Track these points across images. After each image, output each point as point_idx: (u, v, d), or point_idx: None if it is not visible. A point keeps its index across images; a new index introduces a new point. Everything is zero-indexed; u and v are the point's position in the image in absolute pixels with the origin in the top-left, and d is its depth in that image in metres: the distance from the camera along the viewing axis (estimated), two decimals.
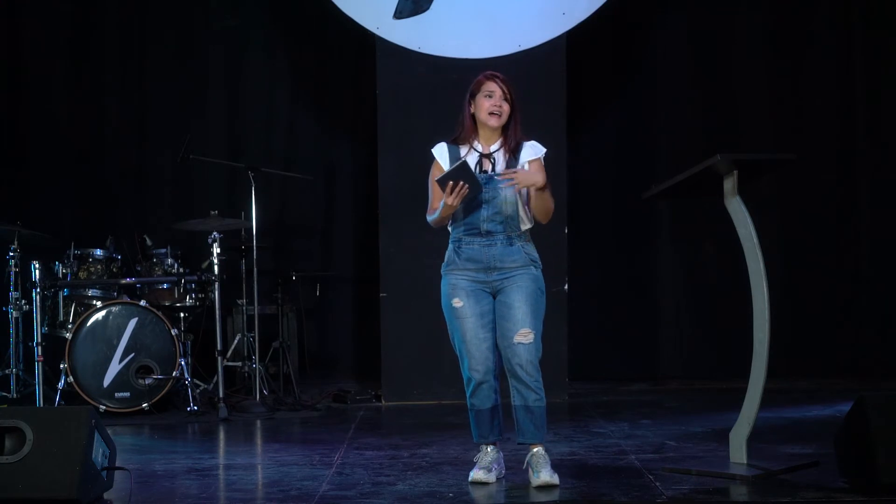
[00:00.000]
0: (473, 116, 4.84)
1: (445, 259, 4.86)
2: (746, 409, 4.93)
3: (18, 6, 8.48)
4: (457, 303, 4.78)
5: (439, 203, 4.76)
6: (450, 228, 4.86)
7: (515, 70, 7.16)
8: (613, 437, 5.96)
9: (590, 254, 8.28)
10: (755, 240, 4.88)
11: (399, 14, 7.33)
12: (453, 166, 4.66)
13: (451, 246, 4.85)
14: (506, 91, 4.79)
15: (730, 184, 4.93)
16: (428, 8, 7.33)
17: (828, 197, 8.39)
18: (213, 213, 7.46)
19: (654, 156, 8.38)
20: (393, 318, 7.43)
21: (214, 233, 7.14)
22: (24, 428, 4.43)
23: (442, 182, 4.64)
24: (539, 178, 4.70)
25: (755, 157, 5.20)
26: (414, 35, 7.34)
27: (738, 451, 4.96)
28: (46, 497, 4.35)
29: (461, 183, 4.59)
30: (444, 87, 7.34)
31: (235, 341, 7.65)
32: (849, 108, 8.40)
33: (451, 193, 4.61)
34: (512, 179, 4.68)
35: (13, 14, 8.49)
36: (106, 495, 4.66)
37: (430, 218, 4.85)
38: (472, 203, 4.73)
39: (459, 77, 7.30)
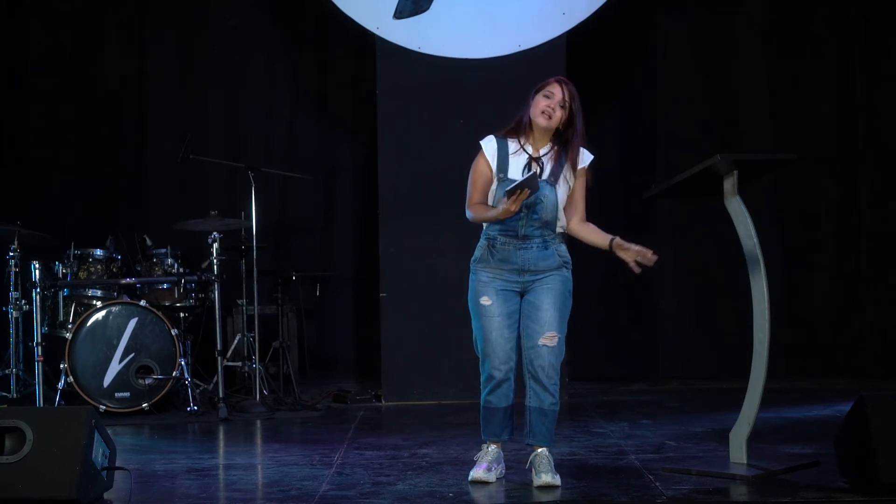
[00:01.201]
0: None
1: (477, 255, 4.82)
2: (746, 409, 4.93)
3: (18, 6, 8.48)
4: (485, 301, 4.76)
5: (479, 196, 4.74)
6: (483, 224, 4.83)
7: (515, 70, 7.21)
8: (613, 437, 5.96)
9: (590, 254, 8.24)
10: (755, 240, 4.88)
11: (399, 14, 7.33)
12: (525, 177, 4.60)
13: (483, 242, 4.81)
14: (566, 98, 4.74)
15: (730, 184, 4.93)
16: (428, 8, 7.33)
17: (828, 197, 8.40)
18: (213, 213, 7.46)
19: (654, 156, 8.39)
20: (393, 318, 7.43)
21: (214, 233, 7.14)
22: (24, 428, 4.43)
23: (511, 191, 4.56)
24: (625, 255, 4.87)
25: (755, 157, 5.21)
26: (414, 35, 7.34)
27: (738, 451, 4.96)
28: (46, 497, 4.34)
29: (525, 189, 4.55)
30: (444, 87, 7.36)
31: (235, 341, 7.65)
32: (849, 108, 8.40)
33: (515, 200, 4.55)
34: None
35: (13, 14, 8.49)
36: (106, 495, 4.66)
37: (475, 214, 4.78)
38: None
39: (459, 77, 7.36)
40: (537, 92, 4.79)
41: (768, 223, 7.73)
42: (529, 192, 4.57)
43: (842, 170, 8.40)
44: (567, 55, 7.42)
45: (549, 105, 4.74)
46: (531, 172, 4.64)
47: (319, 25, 8.46)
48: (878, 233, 8.34)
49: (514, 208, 4.57)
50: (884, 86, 8.35)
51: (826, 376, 8.00)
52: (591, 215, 8.59)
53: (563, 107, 4.74)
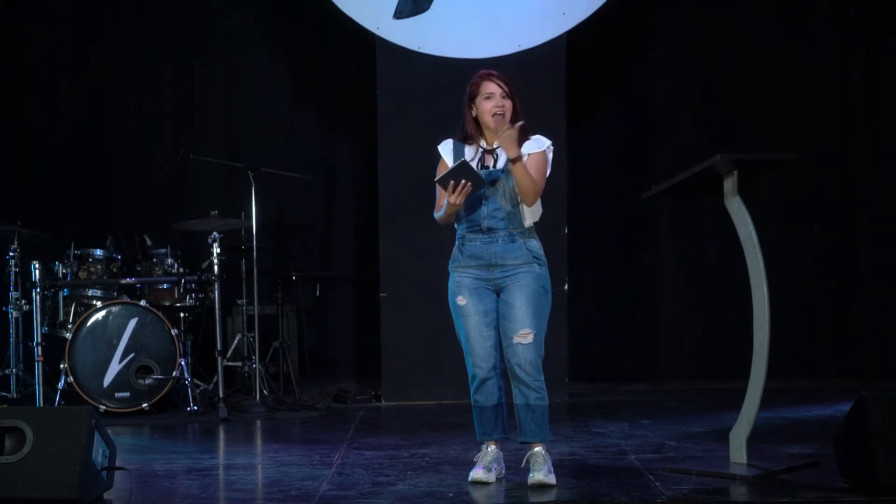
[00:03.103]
0: (476, 119, 4.83)
1: (451, 256, 4.86)
2: (746, 409, 4.93)
3: (18, 6, 8.48)
4: (461, 300, 4.79)
5: (444, 201, 4.76)
6: (455, 225, 4.86)
7: (515, 70, 7.17)
8: (613, 437, 5.96)
9: (590, 254, 8.28)
10: (755, 240, 4.88)
11: (399, 14, 7.33)
12: (452, 167, 4.67)
13: (456, 243, 4.85)
14: (504, 88, 4.79)
15: (730, 184, 4.93)
16: (428, 8, 7.33)
17: (828, 197, 8.39)
18: (213, 213, 7.47)
19: (654, 155, 8.39)
20: (393, 318, 7.43)
21: (214, 233, 7.15)
22: (24, 428, 4.43)
23: (442, 183, 4.64)
24: (510, 147, 4.63)
25: (755, 157, 5.21)
26: (414, 35, 7.34)
27: (738, 451, 4.96)
28: (46, 497, 4.35)
29: (463, 181, 4.59)
30: (444, 87, 7.33)
31: (235, 341, 7.65)
32: (849, 108, 8.40)
33: (453, 192, 4.62)
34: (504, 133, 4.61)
35: (13, 14, 8.49)
36: (106, 495, 4.66)
37: (437, 215, 4.87)
38: (473, 200, 4.72)
39: (459, 77, 7.32)
40: (473, 98, 4.82)
41: (768, 223, 7.72)
42: (472, 185, 4.59)
43: (842, 170, 8.40)
44: (567, 55, 7.42)
45: (496, 104, 4.77)
46: (459, 161, 4.66)
47: (319, 25, 8.46)
48: (878, 233, 8.33)
49: (454, 200, 4.63)
50: (884, 86, 8.35)
51: (826, 376, 8.00)
52: (590, 215, 8.60)
53: (506, 97, 4.78)
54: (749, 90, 8.41)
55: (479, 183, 4.64)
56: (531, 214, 4.80)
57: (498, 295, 4.79)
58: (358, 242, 8.56)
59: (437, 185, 4.82)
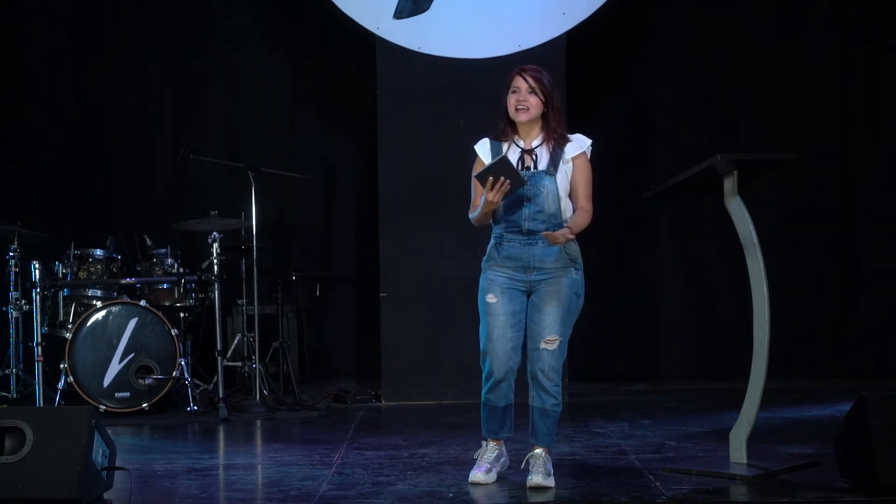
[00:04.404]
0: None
1: (486, 253, 4.81)
2: (746, 409, 4.93)
3: (18, 6, 8.48)
4: (490, 299, 4.74)
5: (481, 200, 4.70)
6: (492, 224, 4.80)
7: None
8: (613, 437, 5.96)
9: (590, 254, 8.24)
10: (755, 240, 4.88)
11: (399, 14, 7.33)
12: (493, 161, 4.57)
13: (492, 241, 4.79)
14: (532, 84, 4.71)
15: (730, 184, 4.93)
16: (428, 8, 7.34)
17: (828, 196, 8.39)
18: (213, 213, 7.47)
19: (654, 156, 8.39)
20: (393, 318, 7.43)
21: (214, 233, 7.15)
22: (24, 428, 4.43)
23: (482, 178, 4.54)
24: (567, 237, 4.58)
25: (755, 157, 5.21)
26: (414, 35, 7.34)
27: (738, 451, 4.96)
28: (46, 497, 4.35)
29: (502, 179, 4.51)
30: (444, 87, 7.36)
31: (235, 341, 7.65)
32: (849, 108, 8.39)
33: (491, 189, 4.53)
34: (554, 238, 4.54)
35: (13, 14, 8.49)
36: (106, 495, 4.66)
37: (472, 216, 4.78)
38: (514, 200, 4.65)
39: (459, 77, 7.36)
40: (506, 91, 4.78)
41: (768, 223, 7.72)
42: (511, 183, 4.52)
43: (842, 169, 8.40)
44: (567, 55, 7.42)
45: (518, 99, 4.73)
46: (499, 156, 4.59)
47: (319, 25, 8.46)
48: (878, 232, 8.33)
49: (492, 198, 4.54)
50: (884, 86, 8.35)
51: (826, 376, 8.00)
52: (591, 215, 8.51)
53: (533, 93, 4.72)
54: (749, 90, 8.41)
55: (518, 182, 4.55)
56: (571, 216, 4.75)
57: (529, 295, 4.75)
58: (358, 242, 8.56)
59: (471, 185, 4.77)
